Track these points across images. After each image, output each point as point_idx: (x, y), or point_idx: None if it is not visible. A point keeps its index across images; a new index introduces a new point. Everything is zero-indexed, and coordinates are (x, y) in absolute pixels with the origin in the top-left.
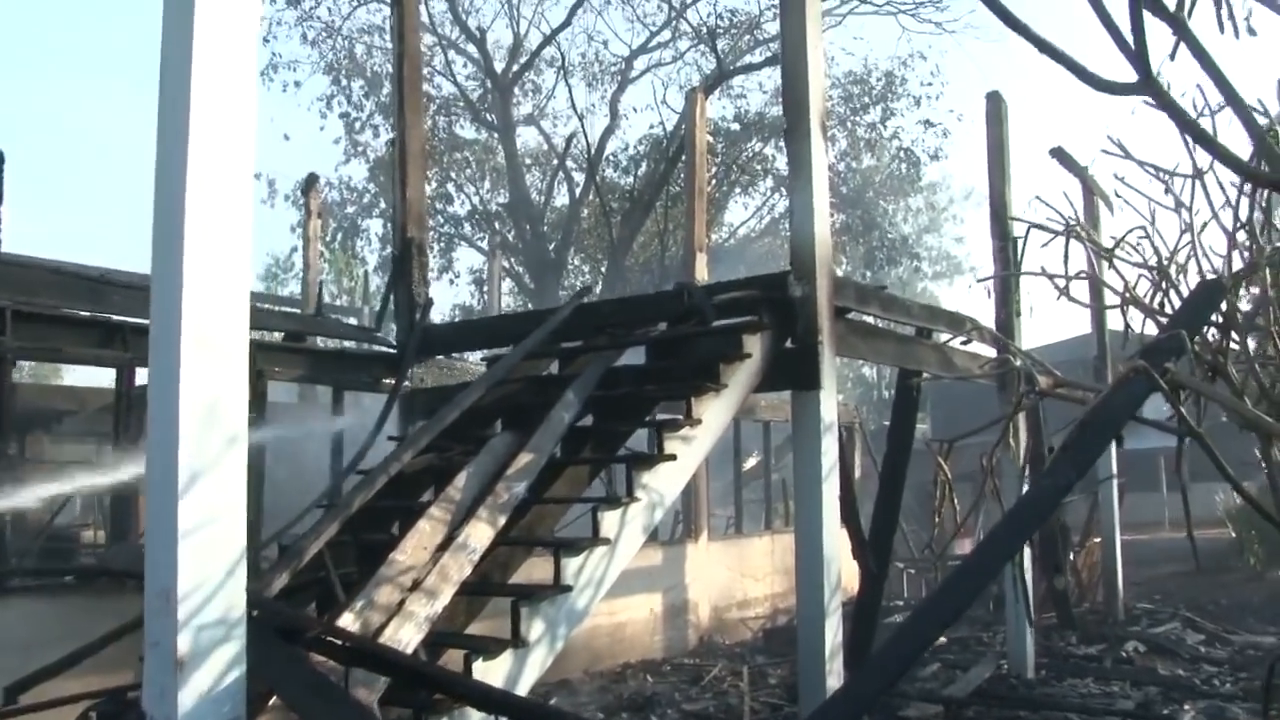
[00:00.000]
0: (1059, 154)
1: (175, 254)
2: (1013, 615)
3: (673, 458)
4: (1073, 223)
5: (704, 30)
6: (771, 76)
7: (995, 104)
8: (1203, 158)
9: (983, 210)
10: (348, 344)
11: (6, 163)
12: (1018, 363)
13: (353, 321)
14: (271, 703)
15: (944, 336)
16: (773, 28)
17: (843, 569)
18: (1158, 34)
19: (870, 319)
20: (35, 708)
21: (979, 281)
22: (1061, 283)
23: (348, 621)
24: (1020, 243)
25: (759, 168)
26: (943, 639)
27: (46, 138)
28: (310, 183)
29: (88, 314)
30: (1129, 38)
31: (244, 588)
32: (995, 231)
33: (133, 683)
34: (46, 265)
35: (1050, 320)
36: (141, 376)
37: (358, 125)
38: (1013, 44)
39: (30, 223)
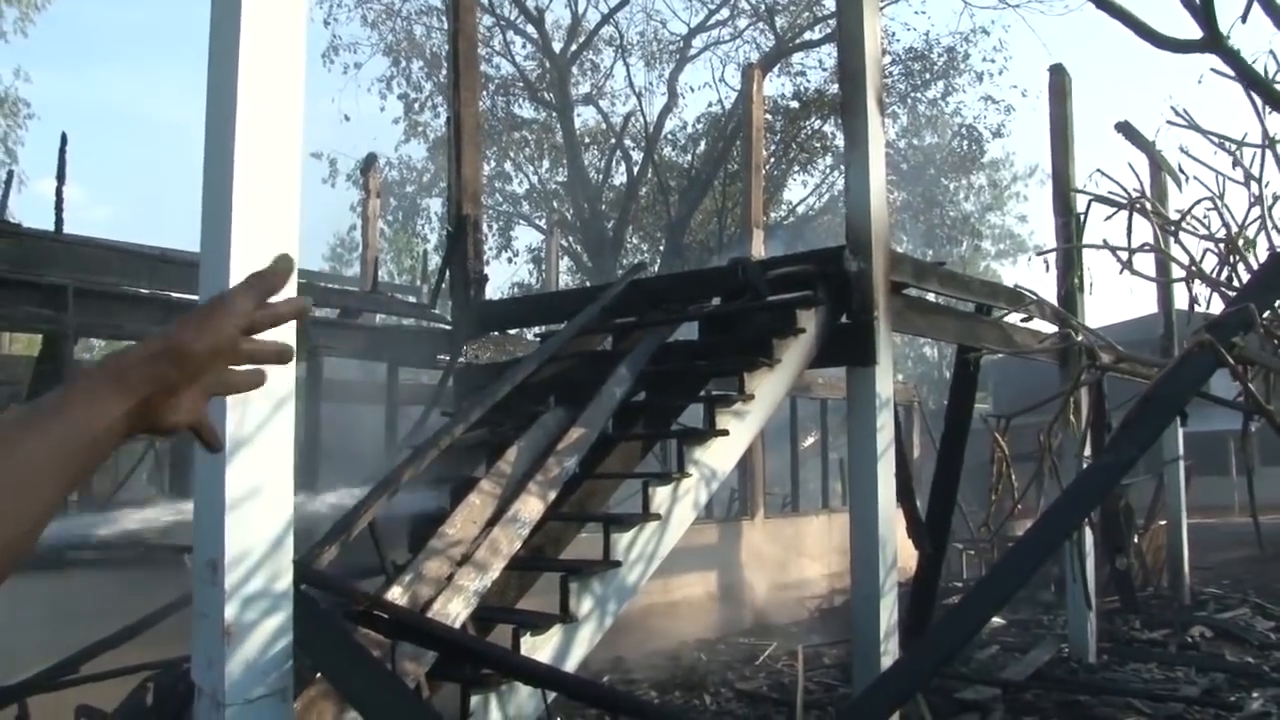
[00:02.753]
0: (1125, 128)
1: (224, 227)
2: (1073, 598)
3: (725, 433)
4: (1137, 196)
5: (762, 7)
6: (831, 54)
7: (1059, 77)
8: (1274, 124)
9: (1047, 188)
10: (404, 320)
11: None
12: (1079, 338)
13: (410, 299)
14: (318, 675)
15: (1004, 313)
16: (831, 3)
17: (899, 549)
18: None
19: (929, 296)
20: (95, 678)
21: (1039, 254)
22: (1125, 256)
23: (396, 595)
24: (1082, 217)
25: (818, 145)
26: (1002, 621)
27: (101, 122)
28: (369, 162)
29: (147, 291)
30: None
31: (291, 559)
32: (1058, 207)
33: (188, 654)
34: (106, 244)
35: (1114, 300)
36: None
37: (417, 105)
38: (1076, 18)
39: (87, 208)
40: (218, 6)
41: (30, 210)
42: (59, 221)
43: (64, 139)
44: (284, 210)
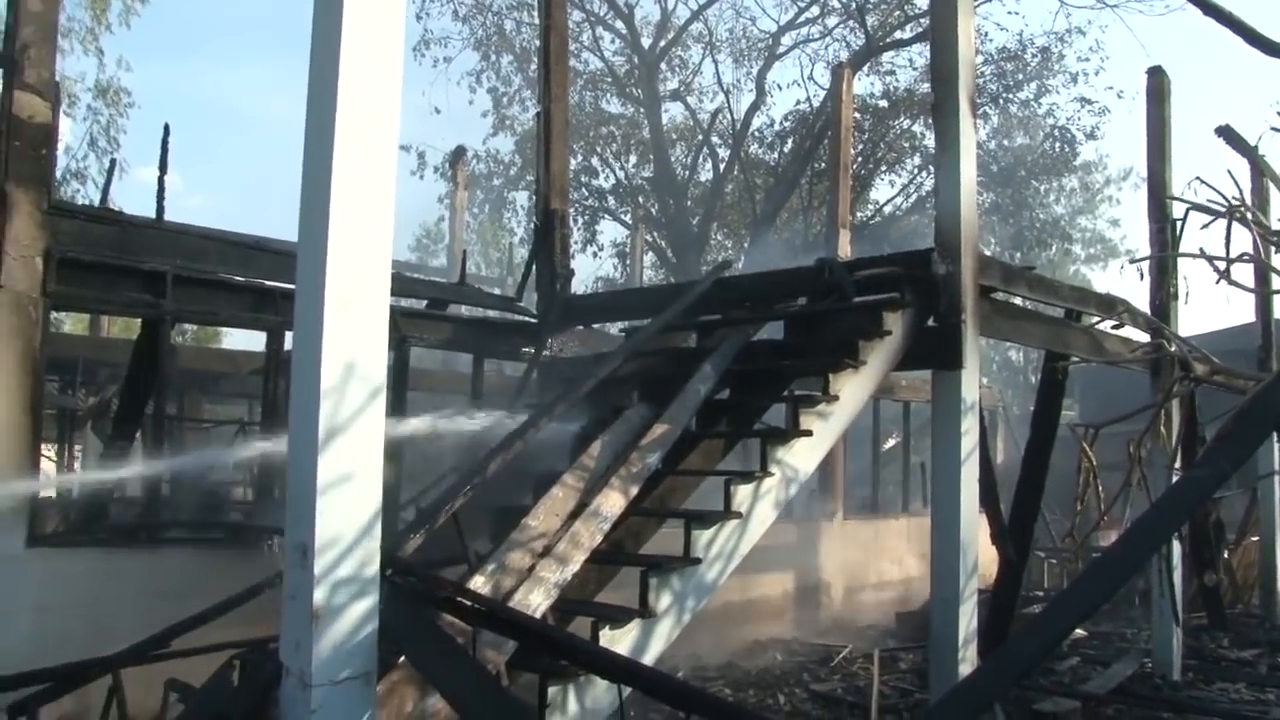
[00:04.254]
0: (1226, 132)
1: (320, 218)
2: (1158, 612)
3: (808, 434)
4: (1237, 204)
5: (853, 6)
6: (921, 53)
7: (1157, 80)
8: None
9: (1141, 192)
10: (490, 312)
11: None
12: (1172, 348)
13: (496, 291)
14: (401, 660)
15: (1094, 320)
16: (923, 2)
17: (980, 555)
18: None
19: (1017, 300)
20: (184, 653)
21: (1132, 262)
22: (1222, 265)
23: (479, 584)
24: (1179, 224)
25: (906, 145)
26: (1084, 633)
27: (199, 113)
28: (458, 155)
29: (242, 279)
30: None
31: (379, 546)
32: (1153, 213)
33: (275, 634)
34: (204, 232)
35: (1209, 309)
36: (290, 340)
37: (505, 100)
38: (1178, 18)
39: (184, 196)
40: (320, 4)
41: (130, 197)
42: (160, 210)
43: (166, 130)
44: (379, 201)
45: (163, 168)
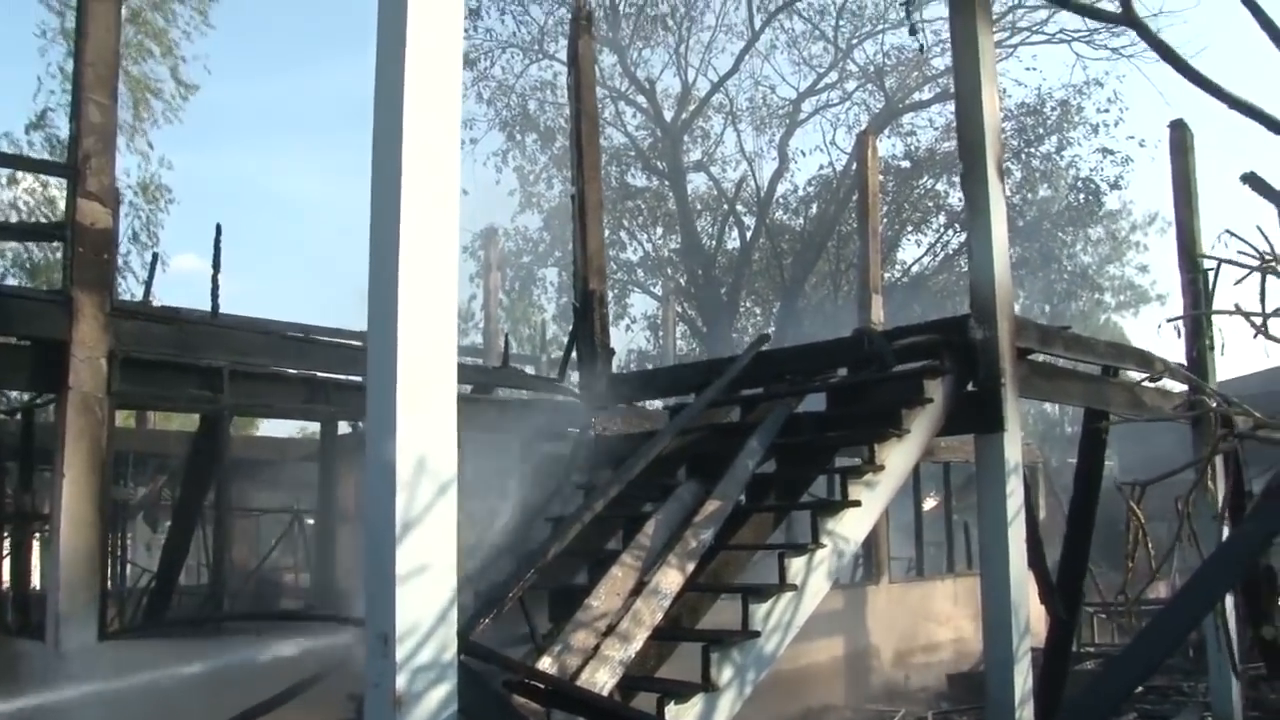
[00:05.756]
0: (1252, 179)
1: (390, 320)
2: (1215, 664)
3: (857, 503)
4: (1269, 257)
5: (871, 69)
6: (942, 112)
7: (1180, 133)
8: None
9: (1168, 236)
10: (529, 393)
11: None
12: (1213, 403)
13: (530, 369)
14: None
15: (1132, 375)
16: (940, 63)
17: (1031, 613)
18: None
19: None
20: None
21: (1169, 321)
22: (1259, 320)
23: (546, 664)
24: (1211, 278)
25: (931, 204)
26: (1139, 688)
27: (231, 198)
28: (489, 237)
29: (295, 371)
30: None
31: (455, 631)
32: (1183, 264)
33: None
34: (257, 327)
35: (1249, 358)
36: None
37: (531, 177)
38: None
39: (222, 283)
40: (381, 105)
41: (169, 285)
42: (215, 306)
43: (219, 231)
44: (443, 297)
45: (216, 266)
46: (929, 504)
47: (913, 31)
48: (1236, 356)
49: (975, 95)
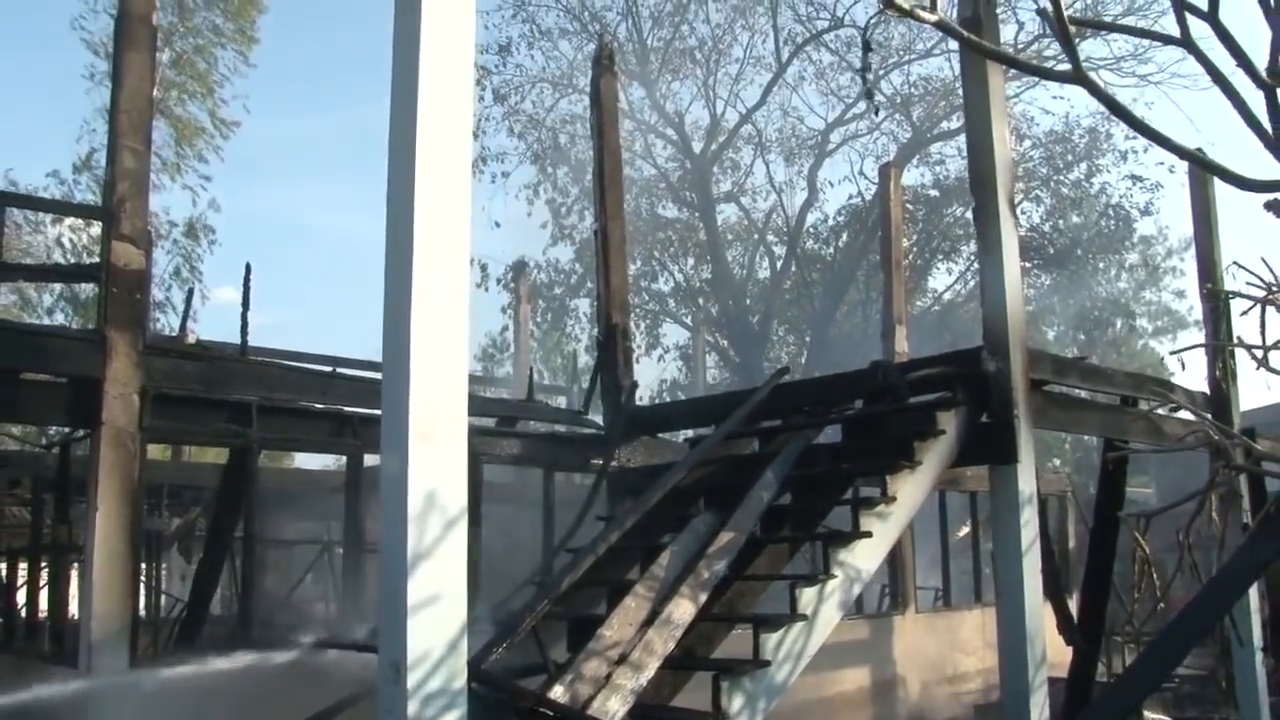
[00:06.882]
0: (1275, 207)
1: (403, 363)
2: (1246, 700)
3: (869, 535)
4: (1275, 288)
5: (898, 99)
6: None
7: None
8: None
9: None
10: (556, 426)
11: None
12: (1215, 436)
13: (562, 400)
14: None
15: (1150, 405)
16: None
17: (1050, 644)
18: None
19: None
20: None
21: (1173, 354)
22: (1260, 353)
23: (558, 694)
24: (1224, 307)
25: (961, 232)
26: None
27: (264, 233)
28: (519, 270)
29: (321, 406)
30: None
31: (465, 660)
32: (1205, 295)
33: None
34: (284, 363)
35: (1265, 388)
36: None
37: (563, 210)
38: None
39: (254, 315)
40: (396, 144)
41: (208, 316)
42: (244, 343)
43: (248, 270)
44: (453, 341)
45: (245, 303)
46: (959, 533)
47: (869, 96)
48: (1260, 387)
49: (986, 131)
